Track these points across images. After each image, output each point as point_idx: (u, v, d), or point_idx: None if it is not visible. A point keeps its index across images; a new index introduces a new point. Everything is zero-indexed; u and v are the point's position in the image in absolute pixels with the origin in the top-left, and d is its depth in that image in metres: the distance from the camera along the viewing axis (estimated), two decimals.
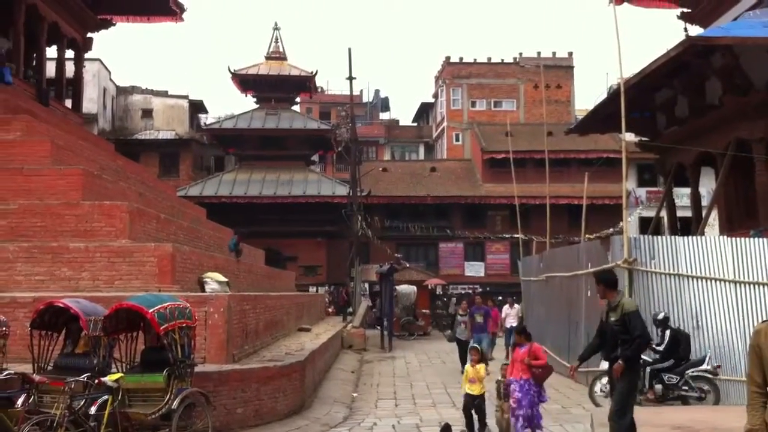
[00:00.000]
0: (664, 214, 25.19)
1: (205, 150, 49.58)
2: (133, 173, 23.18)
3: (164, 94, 49.43)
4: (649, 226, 27.28)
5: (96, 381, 8.96)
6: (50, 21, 24.01)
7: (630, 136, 22.86)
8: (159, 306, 9.80)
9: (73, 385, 8.70)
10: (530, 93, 56.69)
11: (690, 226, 23.51)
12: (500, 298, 24.68)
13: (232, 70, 45.32)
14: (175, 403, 9.47)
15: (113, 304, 10.08)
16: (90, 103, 39.99)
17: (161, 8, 28.11)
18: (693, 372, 13.27)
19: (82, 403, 8.79)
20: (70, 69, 27.03)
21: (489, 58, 58.37)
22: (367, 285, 39.12)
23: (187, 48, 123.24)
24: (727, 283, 14.30)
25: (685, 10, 25.47)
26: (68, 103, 26.99)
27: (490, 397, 12.01)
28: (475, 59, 58.21)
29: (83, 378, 8.88)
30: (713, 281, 14.40)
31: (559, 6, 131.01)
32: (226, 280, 15.60)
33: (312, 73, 46.29)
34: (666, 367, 13.37)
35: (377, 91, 72.67)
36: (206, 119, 51.67)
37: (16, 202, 15.09)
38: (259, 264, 26.30)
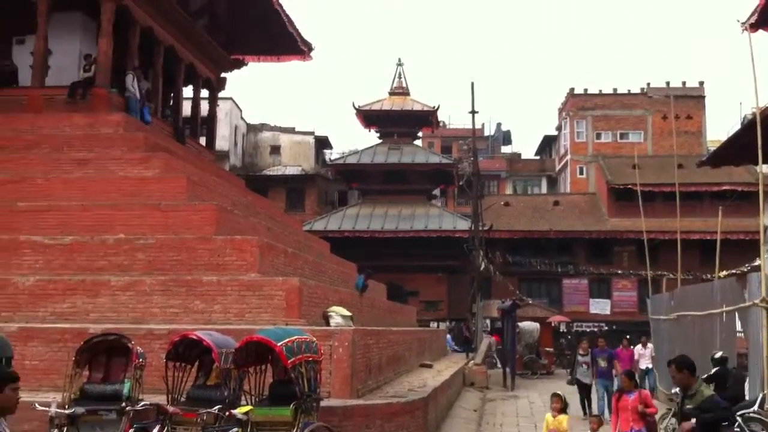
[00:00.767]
0: None
1: (330, 185, 50.65)
2: (262, 208, 23.84)
3: (291, 130, 50.98)
4: None
5: (227, 413, 9.17)
6: (187, 62, 25.17)
7: (767, 168, 21.80)
8: (287, 339, 9.96)
9: (205, 417, 8.94)
10: (658, 124, 55.01)
11: None
12: (628, 336, 23.53)
13: (357, 106, 46.21)
14: None
15: (243, 337, 10.32)
16: (222, 140, 41.66)
17: (290, 48, 28.96)
18: (745, 413, 12.46)
19: None
20: (204, 107, 28.22)
21: (615, 89, 57.18)
22: (488, 321, 38.72)
23: (314, 85, 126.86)
24: None
25: None
26: (202, 140, 28.13)
27: None
28: (600, 90, 57.15)
29: (215, 410, 9.11)
30: None
31: (689, 34, 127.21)
32: (350, 314, 15.75)
33: (434, 107, 46.63)
34: None
35: (499, 125, 72.43)
36: (331, 155, 52.87)
37: (153, 236, 15.73)
38: (381, 298, 26.44)
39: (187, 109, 27.23)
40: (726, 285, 17.27)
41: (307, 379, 10.06)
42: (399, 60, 49.72)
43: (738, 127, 22.66)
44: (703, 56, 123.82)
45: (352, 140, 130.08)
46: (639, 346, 23.00)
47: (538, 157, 69.12)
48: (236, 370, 10.05)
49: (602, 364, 18.88)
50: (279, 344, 9.76)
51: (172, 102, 26.27)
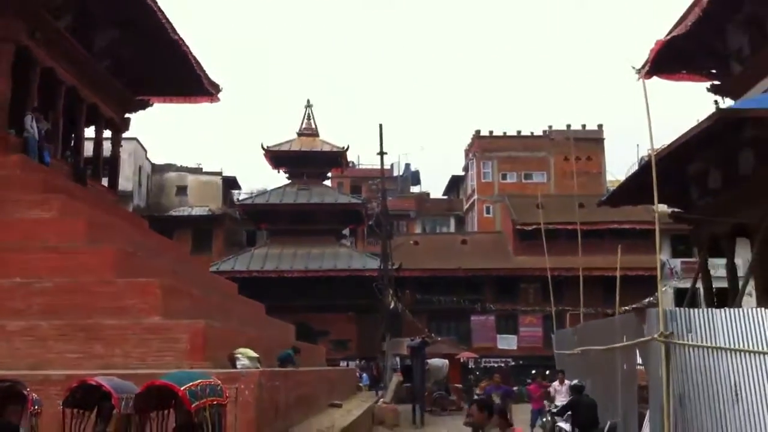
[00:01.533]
0: (699, 285, 24.79)
1: (238, 225, 50.20)
2: (167, 250, 23.41)
3: (198, 171, 50.43)
4: (684, 298, 26.85)
5: None
6: (89, 102, 24.65)
7: (663, 207, 22.73)
8: (190, 383, 9.74)
9: None
10: (561, 165, 56.80)
11: (727, 298, 23.10)
12: (534, 371, 23.86)
13: (265, 147, 46.17)
14: None
15: (145, 382, 10.07)
16: (126, 180, 40.86)
17: (197, 89, 28.71)
18: None
19: None
20: (107, 148, 27.63)
21: (519, 131, 58.83)
22: (398, 359, 38.83)
23: (222, 125, 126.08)
24: (766, 356, 13.95)
25: (715, 82, 25.55)
26: (105, 181, 27.49)
27: None
28: (504, 132, 58.67)
29: None
30: (752, 354, 14.05)
31: (587, 80, 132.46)
32: (257, 356, 15.52)
33: (343, 148, 47.00)
34: None
35: (407, 165, 73.28)
36: (239, 195, 52.49)
37: (51, 279, 15.24)
38: (290, 339, 26.21)
39: (89, 149, 26.58)
40: (626, 320, 17.76)
41: (211, 423, 9.84)
42: (308, 101, 50.09)
43: (636, 167, 23.60)
44: (602, 100, 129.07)
45: (261, 181, 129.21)
46: (556, 383, 21.75)
47: (446, 197, 70.26)
48: (137, 416, 9.76)
49: (496, 400, 18.16)
50: (182, 388, 9.54)
51: (73, 143, 25.63)
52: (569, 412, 15.78)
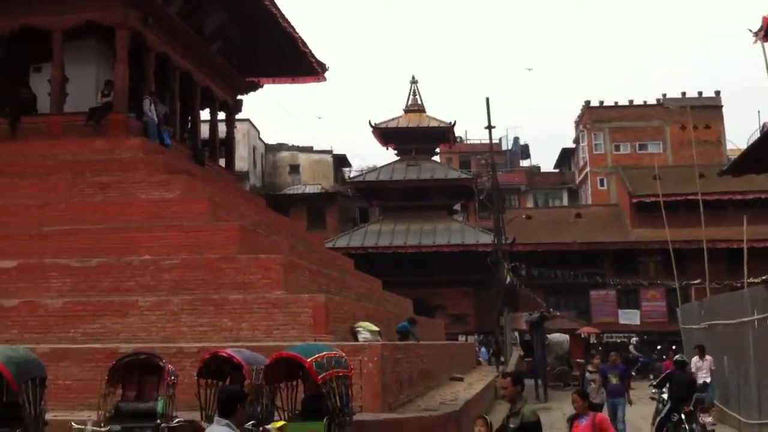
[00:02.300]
0: None
1: (350, 202, 50.69)
2: (284, 227, 23.81)
3: (309, 149, 51.11)
4: None
5: (261, 428, 9.09)
6: (203, 86, 25.28)
7: None
8: (317, 355, 9.90)
9: None
10: (677, 134, 54.54)
11: None
12: (659, 347, 23.05)
13: (373, 124, 46.30)
14: None
15: (273, 354, 10.26)
16: (241, 161, 41.76)
17: (304, 69, 29.07)
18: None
19: None
20: (222, 130, 28.32)
21: (631, 101, 56.90)
22: (517, 333, 38.44)
23: (330, 104, 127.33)
24: None
25: None
26: (221, 162, 28.21)
27: None
28: (616, 102, 56.87)
29: (249, 425, 9.01)
30: None
31: (704, 45, 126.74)
32: (377, 329, 15.61)
33: (450, 123, 46.64)
34: None
35: (516, 139, 72.21)
36: (350, 172, 52.90)
37: (178, 257, 15.73)
38: (409, 313, 26.25)
39: (205, 131, 27.31)
40: (756, 293, 17.02)
41: (338, 394, 9.99)
42: (413, 78, 49.77)
43: (757, 135, 22.35)
44: (718, 66, 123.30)
45: (371, 157, 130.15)
46: (695, 358, 19.27)
47: (557, 170, 68.79)
48: (268, 386, 9.99)
49: (613, 380, 17.19)
50: (309, 360, 9.70)
51: (190, 125, 26.37)
52: (667, 384, 16.27)
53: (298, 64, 28.48)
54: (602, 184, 55.55)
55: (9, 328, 14.38)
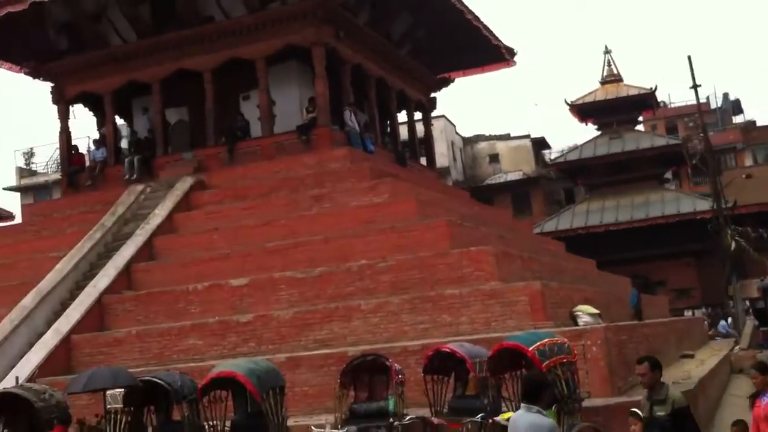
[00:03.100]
0: None
1: (554, 185, 49.88)
2: (490, 217, 23.91)
3: (507, 137, 50.84)
4: None
5: (490, 421, 9.25)
6: (397, 89, 25.97)
7: None
8: (538, 343, 9.91)
9: (469, 426, 9.08)
10: None
11: None
12: None
13: (569, 102, 45.29)
14: None
15: (494, 345, 10.38)
16: (441, 157, 42.29)
17: (493, 57, 29.08)
18: None
19: None
20: (419, 129, 28.93)
21: None
22: (747, 302, 36.11)
23: (521, 88, 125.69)
24: None
25: None
26: (423, 161, 28.81)
27: None
28: None
29: (478, 418, 9.22)
30: None
31: None
32: (597, 311, 15.32)
33: (651, 89, 44.68)
34: None
35: (726, 95, 67.53)
36: (550, 154, 52.03)
37: (393, 258, 16.29)
38: (628, 293, 25.49)
39: (404, 133, 28.03)
40: None
41: (564, 380, 9.93)
42: (606, 47, 48.00)
43: None
44: None
45: (570, 137, 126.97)
46: None
47: None
48: (492, 378, 10.12)
49: None
50: (531, 349, 9.73)
51: (389, 129, 27.16)
52: None
53: (486, 53, 28.52)
54: None
55: (246, 342, 15.57)
